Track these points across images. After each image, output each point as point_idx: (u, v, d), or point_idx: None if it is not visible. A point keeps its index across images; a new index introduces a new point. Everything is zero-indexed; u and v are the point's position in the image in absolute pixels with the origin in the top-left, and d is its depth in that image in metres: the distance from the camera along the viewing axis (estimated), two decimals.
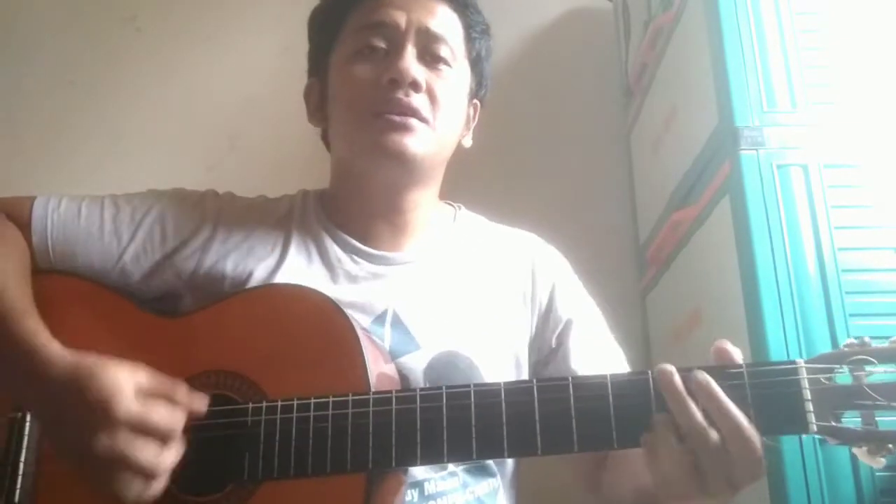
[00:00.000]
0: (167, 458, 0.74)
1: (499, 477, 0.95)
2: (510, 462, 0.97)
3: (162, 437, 0.74)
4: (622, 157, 1.98)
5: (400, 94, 0.91)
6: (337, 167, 1.04)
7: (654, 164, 1.74)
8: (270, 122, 2.03)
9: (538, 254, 1.06)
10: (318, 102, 1.03)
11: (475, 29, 1.01)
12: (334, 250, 0.99)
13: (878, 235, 1.18)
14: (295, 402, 0.80)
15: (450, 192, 1.16)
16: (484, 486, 0.93)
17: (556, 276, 1.04)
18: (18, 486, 0.83)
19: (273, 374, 0.83)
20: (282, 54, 2.14)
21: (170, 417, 0.75)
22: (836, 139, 1.24)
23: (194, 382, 0.84)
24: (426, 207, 1.03)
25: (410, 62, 0.93)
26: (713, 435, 0.70)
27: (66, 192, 1.00)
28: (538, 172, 2.05)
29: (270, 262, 0.97)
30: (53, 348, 0.79)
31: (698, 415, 0.70)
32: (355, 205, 1.01)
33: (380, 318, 0.93)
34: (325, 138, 1.08)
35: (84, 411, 0.73)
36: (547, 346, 1.01)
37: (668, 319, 1.64)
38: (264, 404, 0.81)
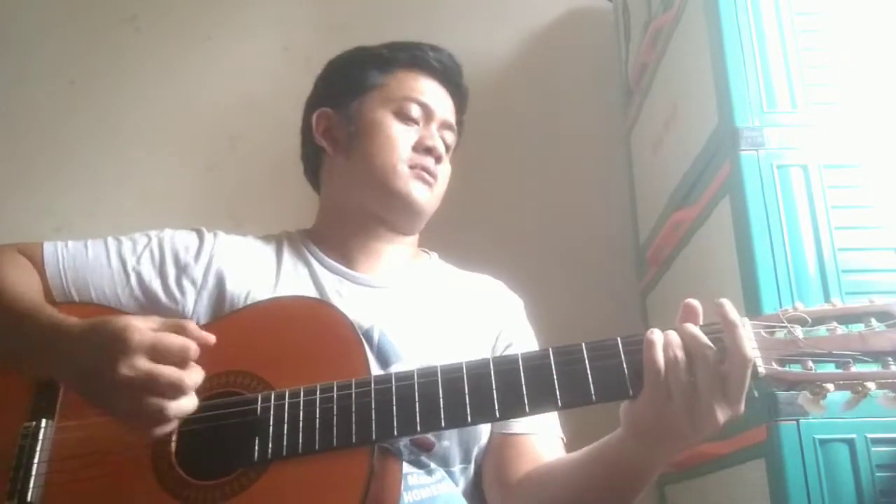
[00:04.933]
0: (189, 375, 0.80)
1: (459, 485, 1.01)
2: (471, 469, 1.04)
3: (178, 357, 0.79)
4: (622, 157, 1.98)
5: (431, 161, 1.12)
6: (334, 195, 1.17)
7: (654, 164, 1.74)
8: (270, 122, 2.03)
9: (499, 297, 1.19)
10: (335, 131, 1.16)
11: (461, 125, 1.23)
12: (321, 271, 1.10)
13: (878, 235, 1.18)
14: (302, 389, 0.85)
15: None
16: (455, 489, 0.99)
17: (509, 315, 1.17)
18: (31, 487, 0.86)
19: (281, 370, 0.88)
20: (282, 54, 2.14)
21: (182, 340, 0.80)
22: (836, 139, 1.24)
23: (205, 383, 0.87)
24: (404, 246, 1.17)
25: (439, 140, 1.14)
26: (711, 351, 0.79)
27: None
28: (538, 173, 2.05)
29: (268, 281, 1.06)
30: (72, 320, 0.86)
31: (701, 334, 0.80)
32: (342, 231, 1.14)
33: (367, 333, 1.01)
34: (312, 177, 1.21)
35: (103, 352, 0.79)
36: None
37: (668, 319, 1.63)
38: (273, 393, 0.86)
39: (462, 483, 1.01)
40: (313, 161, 1.20)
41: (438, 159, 1.13)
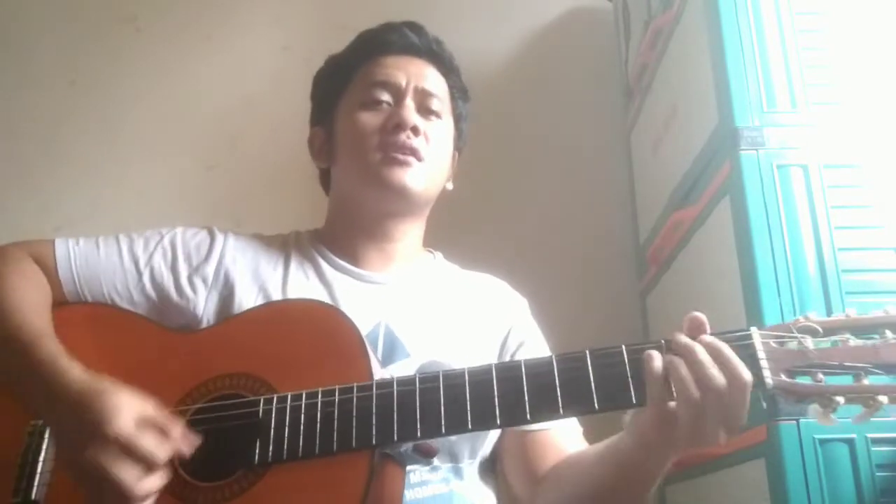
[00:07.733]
0: (146, 484, 0.79)
1: (466, 478, 1.01)
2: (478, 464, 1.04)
3: (146, 463, 0.79)
4: (622, 157, 1.98)
5: (402, 137, 1.07)
6: (336, 202, 1.18)
7: (654, 164, 1.74)
8: (270, 122, 2.03)
9: (504, 297, 1.19)
10: (322, 146, 1.18)
11: (457, 89, 1.19)
12: (329, 271, 1.10)
13: (878, 235, 1.18)
14: (304, 393, 0.85)
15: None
16: (460, 484, 1.00)
17: (515, 316, 1.16)
18: (35, 485, 0.87)
19: (284, 373, 0.89)
20: (282, 54, 2.15)
21: (157, 447, 0.80)
22: (836, 139, 1.24)
23: (209, 385, 0.90)
24: (411, 240, 1.16)
25: (411, 112, 1.10)
26: (720, 379, 0.77)
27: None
28: (538, 173, 2.05)
29: (276, 280, 1.07)
30: (73, 372, 0.85)
31: (710, 361, 0.78)
32: (349, 233, 1.13)
33: (374, 331, 1.02)
34: (323, 181, 1.22)
35: (83, 424, 0.80)
36: None
37: (668, 319, 1.64)
38: (275, 396, 0.86)
39: (469, 477, 1.02)
40: (324, 177, 1.21)
41: (415, 131, 1.08)
